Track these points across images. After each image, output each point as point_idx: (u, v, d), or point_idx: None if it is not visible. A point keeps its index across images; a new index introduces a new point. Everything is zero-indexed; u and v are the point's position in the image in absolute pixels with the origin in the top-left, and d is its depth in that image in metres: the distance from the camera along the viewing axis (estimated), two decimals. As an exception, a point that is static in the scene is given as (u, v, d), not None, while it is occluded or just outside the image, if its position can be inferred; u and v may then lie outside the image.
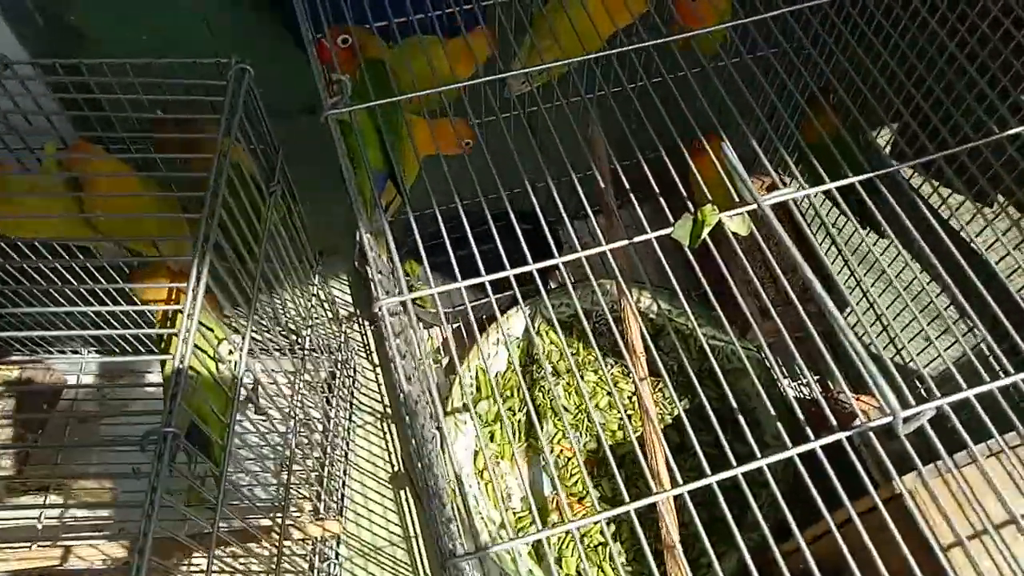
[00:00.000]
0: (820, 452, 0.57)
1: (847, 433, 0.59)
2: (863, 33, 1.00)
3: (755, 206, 0.60)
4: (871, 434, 0.57)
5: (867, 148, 0.83)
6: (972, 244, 0.79)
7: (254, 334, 1.05)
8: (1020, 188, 0.86)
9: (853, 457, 0.58)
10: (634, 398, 1.22)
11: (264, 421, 0.85)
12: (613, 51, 0.80)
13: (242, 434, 0.76)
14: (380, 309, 0.60)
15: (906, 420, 0.53)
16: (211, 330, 0.66)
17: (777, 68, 0.86)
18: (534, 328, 1.25)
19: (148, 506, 0.51)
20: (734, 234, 0.68)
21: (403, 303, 0.63)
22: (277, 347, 1.10)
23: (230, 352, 0.67)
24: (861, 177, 0.70)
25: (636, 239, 0.70)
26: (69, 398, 1.30)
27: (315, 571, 1.06)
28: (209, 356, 0.63)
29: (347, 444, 1.25)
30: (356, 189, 0.66)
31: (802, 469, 0.58)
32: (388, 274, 0.67)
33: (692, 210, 0.66)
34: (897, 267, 0.95)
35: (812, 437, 0.58)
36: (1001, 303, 0.68)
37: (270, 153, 0.87)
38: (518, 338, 1.27)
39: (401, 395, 0.73)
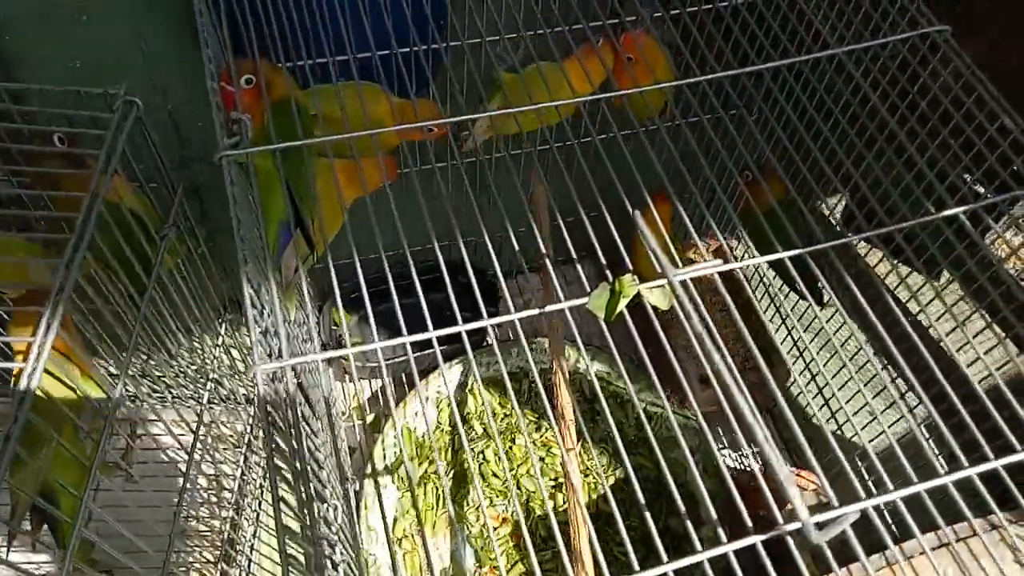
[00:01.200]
0: (760, 547, 0.52)
1: (761, 538, 0.55)
2: (805, 106, 0.98)
3: (677, 278, 0.55)
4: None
5: (802, 221, 0.80)
6: (920, 316, 0.77)
7: (147, 383, 0.97)
8: (959, 266, 0.84)
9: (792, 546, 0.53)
10: (563, 466, 1.16)
11: (138, 487, 0.76)
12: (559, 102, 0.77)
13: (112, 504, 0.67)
14: (255, 375, 0.54)
15: (823, 526, 0.48)
16: (72, 388, 0.59)
17: (711, 136, 0.83)
18: (467, 386, 1.19)
19: None
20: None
21: (322, 359, 0.57)
22: (175, 397, 1.01)
23: (94, 415, 0.60)
24: (790, 253, 0.67)
25: (553, 307, 0.65)
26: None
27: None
28: (64, 417, 0.56)
29: (259, 505, 1.16)
30: (244, 238, 0.60)
31: (736, 566, 0.52)
32: (273, 334, 0.60)
33: (610, 280, 0.61)
34: (844, 336, 0.93)
35: (748, 522, 0.53)
36: (950, 379, 0.65)
37: (167, 193, 0.81)
38: (449, 396, 1.20)
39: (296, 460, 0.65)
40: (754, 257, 0.96)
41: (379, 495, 0.84)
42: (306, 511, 0.59)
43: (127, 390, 0.68)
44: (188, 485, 0.86)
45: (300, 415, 0.54)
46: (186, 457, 0.91)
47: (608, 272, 0.67)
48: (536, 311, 0.66)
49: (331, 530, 0.64)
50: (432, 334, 0.63)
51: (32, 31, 1.89)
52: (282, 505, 0.49)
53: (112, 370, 0.91)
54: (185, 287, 0.82)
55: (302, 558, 0.52)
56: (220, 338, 1.03)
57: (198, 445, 0.91)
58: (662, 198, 0.89)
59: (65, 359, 0.61)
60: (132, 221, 0.70)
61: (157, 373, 0.93)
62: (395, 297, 0.66)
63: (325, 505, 0.61)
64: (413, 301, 0.66)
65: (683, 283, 0.56)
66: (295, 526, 0.49)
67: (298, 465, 0.52)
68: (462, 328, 0.64)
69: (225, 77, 0.78)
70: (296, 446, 0.59)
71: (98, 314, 0.65)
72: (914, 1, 0.84)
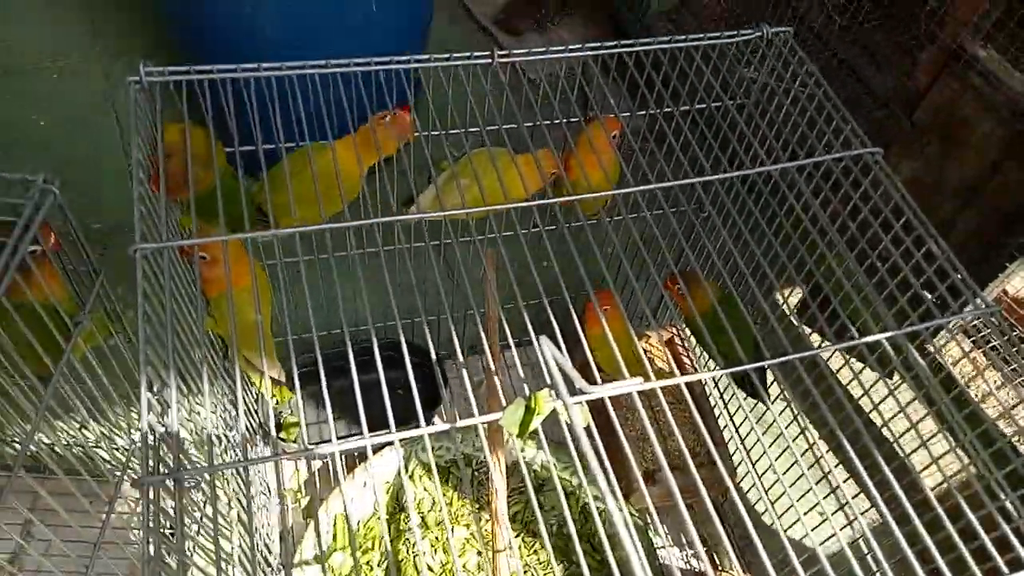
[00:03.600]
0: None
1: None
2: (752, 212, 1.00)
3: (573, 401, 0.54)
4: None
5: (742, 321, 0.80)
6: (873, 415, 0.77)
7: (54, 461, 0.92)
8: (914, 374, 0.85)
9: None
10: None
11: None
12: (519, 203, 0.77)
13: None
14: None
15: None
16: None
17: (656, 233, 0.84)
18: (407, 471, 1.14)
19: None
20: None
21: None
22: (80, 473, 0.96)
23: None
24: (713, 373, 0.67)
25: (492, 416, 0.64)
26: None
27: None
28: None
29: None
30: (149, 337, 0.57)
31: None
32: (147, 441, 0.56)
33: (525, 398, 0.59)
34: (793, 433, 0.92)
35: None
36: (902, 483, 0.64)
37: (87, 278, 0.80)
38: (388, 481, 1.16)
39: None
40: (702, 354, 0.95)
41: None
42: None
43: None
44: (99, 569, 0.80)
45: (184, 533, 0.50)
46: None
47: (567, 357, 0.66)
48: (475, 420, 0.64)
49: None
50: (395, 436, 0.62)
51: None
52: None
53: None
54: (103, 367, 0.79)
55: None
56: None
57: (109, 525, 0.85)
58: (604, 294, 0.89)
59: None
60: (43, 314, 0.68)
61: (63, 447, 0.88)
62: (355, 377, 0.65)
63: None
64: (350, 383, 0.64)
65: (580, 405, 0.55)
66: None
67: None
68: (425, 431, 0.63)
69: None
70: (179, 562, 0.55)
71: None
72: (848, 123, 0.87)
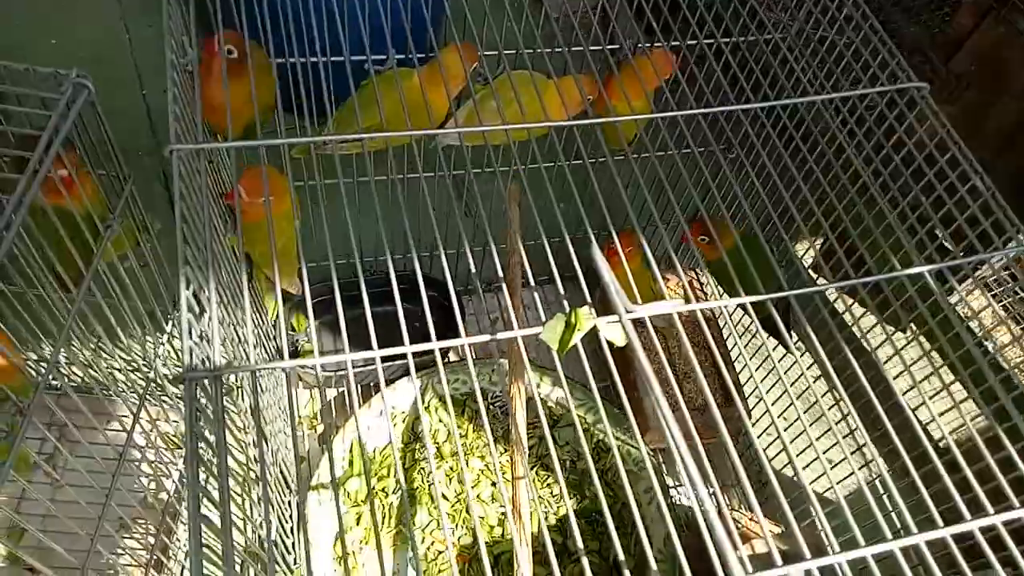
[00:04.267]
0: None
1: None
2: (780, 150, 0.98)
3: (628, 317, 0.53)
4: None
5: (765, 263, 0.79)
6: (881, 370, 0.76)
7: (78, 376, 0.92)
8: (922, 323, 0.84)
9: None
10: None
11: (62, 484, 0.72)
12: (551, 123, 0.75)
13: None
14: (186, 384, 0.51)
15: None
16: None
17: (681, 169, 0.82)
18: (423, 403, 1.16)
19: None
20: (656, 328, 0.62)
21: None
22: (108, 393, 0.97)
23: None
24: (753, 298, 0.66)
25: (506, 334, 0.63)
26: None
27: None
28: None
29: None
30: (188, 237, 0.57)
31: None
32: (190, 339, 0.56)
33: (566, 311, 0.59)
34: (805, 383, 0.91)
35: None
36: (902, 434, 0.64)
37: (117, 182, 0.78)
38: (404, 412, 1.17)
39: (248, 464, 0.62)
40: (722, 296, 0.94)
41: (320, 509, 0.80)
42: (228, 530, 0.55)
43: (53, 382, 0.65)
44: (119, 486, 0.82)
45: (226, 429, 0.51)
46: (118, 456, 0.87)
47: (587, 293, 0.66)
48: (516, 332, 0.64)
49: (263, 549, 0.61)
50: (408, 348, 0.61)
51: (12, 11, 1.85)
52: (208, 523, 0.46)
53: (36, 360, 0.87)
54: (129, 279, 0.79)
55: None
56: (166, 335, 0.99)
57: (132, 442, 0.87)
58: (626, 234, 0.88)
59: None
60: (80, 220, 0.67)
61: (85, 364, 0.89)
62: (367, 306, 0.64)
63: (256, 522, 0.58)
64: (375, 311, 0.64)
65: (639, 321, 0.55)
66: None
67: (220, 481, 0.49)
68: (435, 345, 0.62)
69: (208, 47, 0.75)
70: (219, 461, 0.56)
71: (25, 301, 0.61)
72: (895, 57, 0.84)
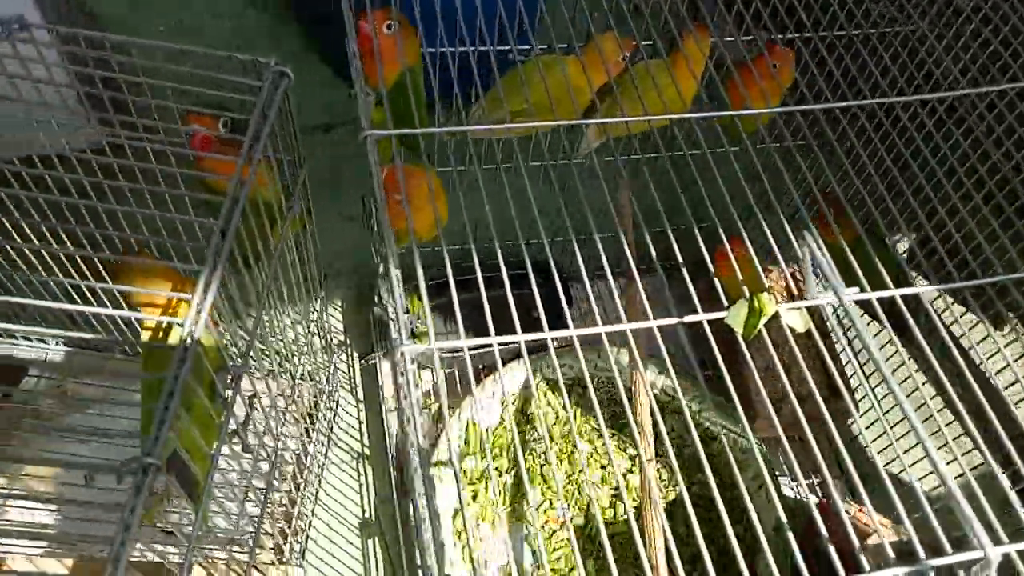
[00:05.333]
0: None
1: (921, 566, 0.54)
2: (893, 141, 0.97)
3: (829, 300, 0.55)
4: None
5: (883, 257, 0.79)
6: (982, 367, 0.75)
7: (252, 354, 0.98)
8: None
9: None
10: (628, 475, 1.16)
11: (247, 455, 0.78)
12: (684, 114, 0.77)
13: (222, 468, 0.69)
14: (402, 354, 0.55)
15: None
16: (208, 353, 0.60)
17: (800, 163, 0.83)
18: (533, 385, 1.19)
19: (120, 544, 0.45)
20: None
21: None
22: (267, 370, 1.02)
23: (229, 380, 0.61)
24: (902, 291, 0.66)
25: (660, 321, 0.66)
26: (27, 388, 1.22)
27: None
28: (205, 380, 0.57)
29: (319, 482, 1.18)
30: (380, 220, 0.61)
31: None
32: (404, 315, 0.61)
33: (747, 295, 0.61)
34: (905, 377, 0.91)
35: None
36: (1007, 429, 0.64)
37: (295, 167, 0.82)
38: (514, 394, 1.21)
39: (410, 442, 0.67)
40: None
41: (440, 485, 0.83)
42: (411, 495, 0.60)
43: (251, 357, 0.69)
44: (273, 457, 0.88)
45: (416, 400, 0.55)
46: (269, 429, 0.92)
47: (691, 289, 0.67)
48: (625, 326, 0.66)
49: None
50: (520, 337, 0.64)
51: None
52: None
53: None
54: (297, 261, 0.83)
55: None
56: (314, 314, 1.04)
57: (285, 416, 0.92)
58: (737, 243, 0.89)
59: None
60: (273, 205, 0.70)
61: (260, 345, 0.94)
62: (483, 291, 0.67)
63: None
64: (490, 296, 0.66)
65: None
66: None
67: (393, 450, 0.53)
68: (548, 335, 0.65)
69: (364, 22, 0.78)
70: (410, 429, 0.60)
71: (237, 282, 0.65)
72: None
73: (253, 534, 0.91)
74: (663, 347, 0.66)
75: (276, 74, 0.68)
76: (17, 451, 1.08)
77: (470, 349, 0.61)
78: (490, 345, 0.61)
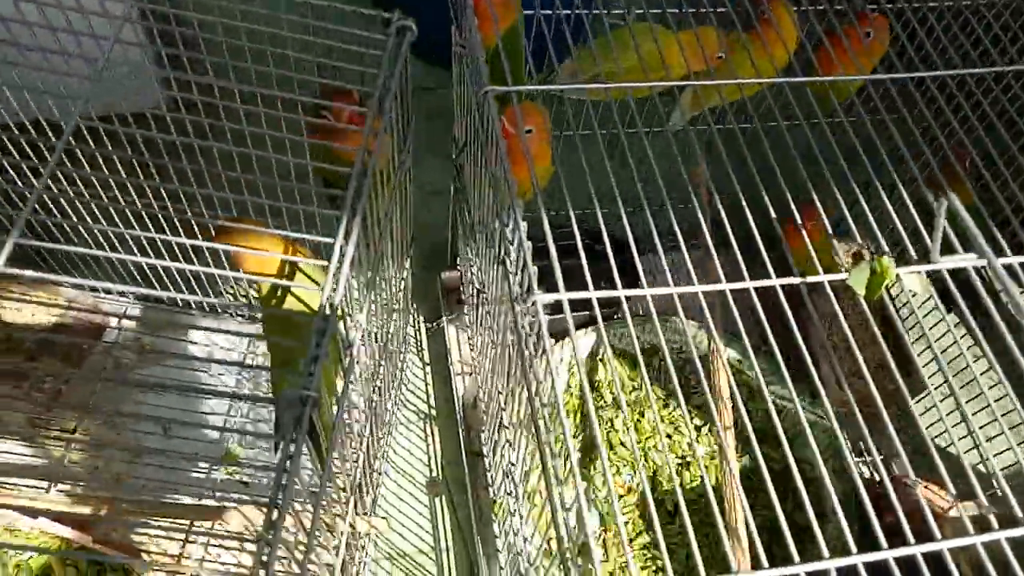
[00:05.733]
0: (893, 563, 0.53)
1: (968, 541, 0.55)
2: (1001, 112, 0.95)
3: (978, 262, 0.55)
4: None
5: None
6: None
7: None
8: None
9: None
10: (691, 446, 1.17)
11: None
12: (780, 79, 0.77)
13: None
14: (535, 303, 0.57)
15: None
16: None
17: (894, 133, 0.82)
18: (599, 355, 1.20)
19: (283, 478, 0.46)
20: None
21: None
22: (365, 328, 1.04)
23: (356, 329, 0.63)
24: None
25: (733, 285, 0.67)
26: (109, 341, 1.26)
27: (343, 570, 1.00)
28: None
29: (388, 440, 1.20)
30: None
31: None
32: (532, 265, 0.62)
33: (868, 257, 0.62)
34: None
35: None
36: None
37: (405, 121, 0.81)
38: (581, 361, 1.22)
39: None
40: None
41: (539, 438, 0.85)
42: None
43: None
44: (368, 411, 0.89)
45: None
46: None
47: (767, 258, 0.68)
48: (696, 288, 0.68)
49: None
50: (592, 294, 0.65)
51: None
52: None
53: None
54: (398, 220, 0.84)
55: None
56: (405, 272, 1.05)
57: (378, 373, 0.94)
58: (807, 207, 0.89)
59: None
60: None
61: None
62: (583, 256, 0.67)
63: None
64: (572, 263, 0.67)
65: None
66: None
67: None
68: (621, 293, 0.66)
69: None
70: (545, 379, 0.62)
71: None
72: None
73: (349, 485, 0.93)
74: (735, 311, 0.66)
75: (400, 27, 0.67)
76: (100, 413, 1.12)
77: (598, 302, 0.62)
78: (616, 299, 0.64)
